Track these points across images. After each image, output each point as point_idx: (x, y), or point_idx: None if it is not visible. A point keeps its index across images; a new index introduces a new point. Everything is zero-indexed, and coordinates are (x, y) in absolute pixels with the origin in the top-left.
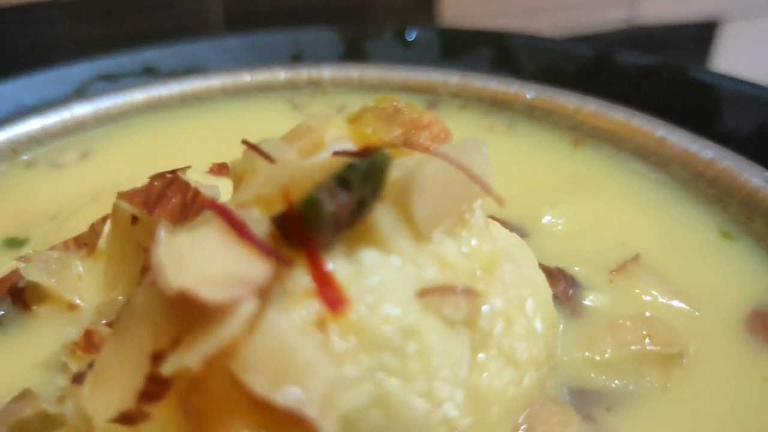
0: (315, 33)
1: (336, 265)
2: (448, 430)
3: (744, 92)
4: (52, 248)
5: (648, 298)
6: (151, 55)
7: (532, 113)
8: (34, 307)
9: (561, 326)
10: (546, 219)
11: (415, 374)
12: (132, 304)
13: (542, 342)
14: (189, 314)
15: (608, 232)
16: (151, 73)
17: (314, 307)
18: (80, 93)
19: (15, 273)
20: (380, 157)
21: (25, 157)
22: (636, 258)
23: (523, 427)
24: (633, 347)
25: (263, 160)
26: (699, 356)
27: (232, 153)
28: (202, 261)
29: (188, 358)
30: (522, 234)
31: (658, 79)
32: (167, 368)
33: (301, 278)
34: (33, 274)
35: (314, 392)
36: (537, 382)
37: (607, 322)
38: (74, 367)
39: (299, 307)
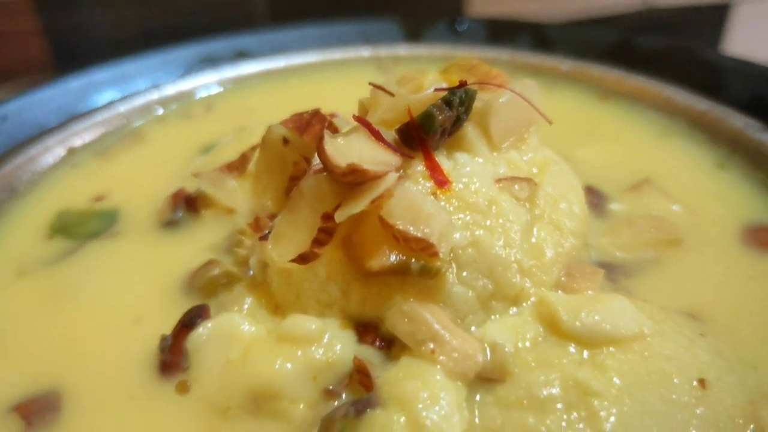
0: (378, 23)
1: (440, 159)
2: (518, 265)
3: (740, 68)
4: (213, 170)
5: (655, 207)
6: (242, 41)
7: (567, 79)
8: (203, 211)
9: (590, 221)
10: (579, 152)
11: (495, 228)
12: (300, 189)
13: (578, 222)
14: (347, 187)
15: (626, 163)
16: (243, 56)
17: (429, 184)
18: (187, 71)
19: (181, 190)
20: (470, 89)
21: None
22: (647, 180)
23: (563, 276)
24: (644, 235)
25: (384, 96)
26: (695, 246)
27: (334, 107)
28: (356, 152)
29: (355, 208)
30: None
31: (669, 57)
32: (339, 216)
33: (419, 166)
34: (204, 185)
35: (435, 230)
36: (574, 247)
37: (624, 220)
38: (241, 248)
39: (419, 183)
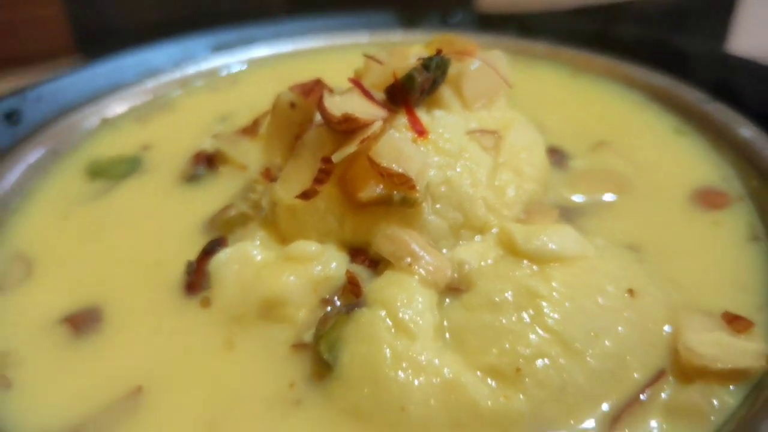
0: (379, 15)
1: (421, 115)
2: (483, 202)
3: (704, 53)
4: (229, 133)
5: (612, 164)
6: (250, 32)
7: (542, 59)
8: (220, 168)
9: (552, 173)
10: (548, 119)
11: (465, 170)
12: (303, 140)
13: (537, 170)
14: (342, 136)
15: (589, 128)
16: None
17: (410, 134)
18: (205, 55)
19: (202, 151)
20: (445, 57)
21: (180, 92)
22: (606, 142)
23: (523, 214)
24: (598, 184)
25: (375, 64)
26: (644, 197)
27: (334, 84)
28: (349, 106)
29: (348, 150)
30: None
31: (641, 44)
32: (336, 158)
33: (403, 120)
34: (220, 144)
35: (414, 167)
36: (533, 190)
37: (582, 173)
38: (254, 195)
39: (402, 133)
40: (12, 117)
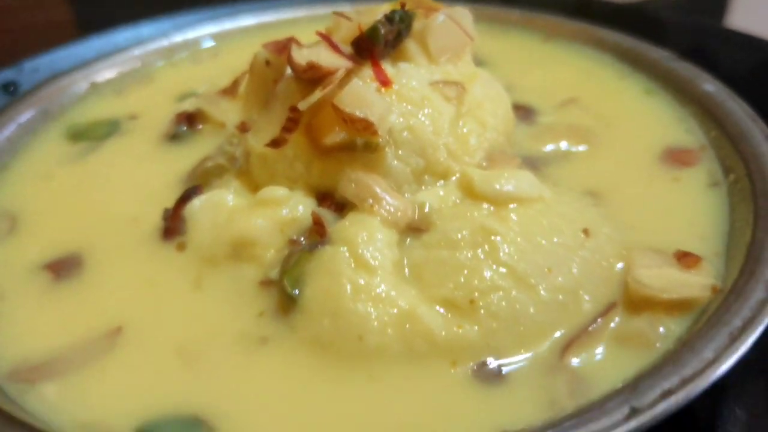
0: None
1: (386, 67)
2: (445, 148)
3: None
4: (209, 93)
5: (578, 119)
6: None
7: (517, 25)
8: (200, 126)
9: (519, 128)
10: (520, 80)
11: (427, 118)
12: (275, 93)
13: (500, 121)
14: (309, 86)
15: (559, 88)
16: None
17: (374, 84)
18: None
19: (183, 112)
20: (409, 11)
21: (166, 61)
22: (574, 99)
23: (485, 162)
24: (564, 135)
25: (344, 20)
26: (609, 151)
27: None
28: (317, 56)
29: (314, 98)
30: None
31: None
32: (302, 105)
33: (367, 71)
34: (201, 104)
35: (376, 113)
36: (495, 140)
37: (549, 127)
38: (231, 148)
39: (367, 83)
40: (9, 88)
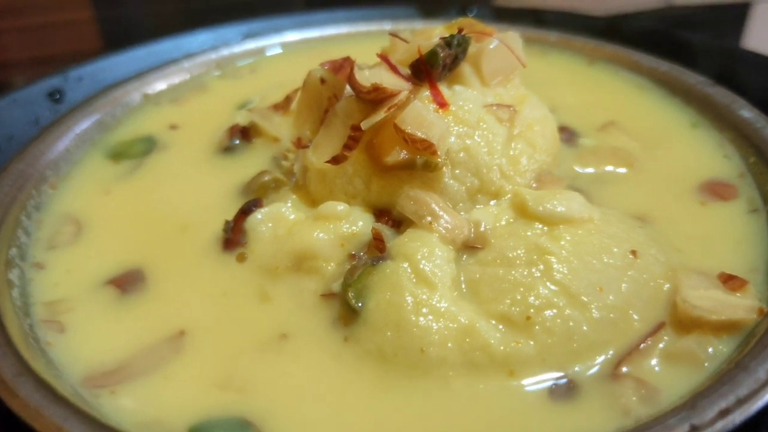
0: (399, 9)
1: (442, 89)
2: (498, 169)
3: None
4: (262, 108)
5: (618, 142)
6: (278, 22)
7: (555, 47)
8: (254, 139)
9: (562, 149)
10: (562, 101)
11: (482, 139)
12: (334, 110)
13: (549, 143)
14: (370, 105)
15: (599, 109)
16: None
17: (432, 106)
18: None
19: (237, 124)
20: (466, 36)
21: (216, 73)
22: (614, 122)
23: (534, 182)
24: (606, 158)
25: (401, 42)
26: (650, 174)
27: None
28: (377, 78)
29: (376, 117)
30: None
31: (651, 37)
32: (365, 125)
33: (425, 92)
34: (255, 117)
35: (436, 134)
36: (544, 161)
37: (591, 149)
38: (286, 162)
39: (425, 104)
40: (54, 95)
